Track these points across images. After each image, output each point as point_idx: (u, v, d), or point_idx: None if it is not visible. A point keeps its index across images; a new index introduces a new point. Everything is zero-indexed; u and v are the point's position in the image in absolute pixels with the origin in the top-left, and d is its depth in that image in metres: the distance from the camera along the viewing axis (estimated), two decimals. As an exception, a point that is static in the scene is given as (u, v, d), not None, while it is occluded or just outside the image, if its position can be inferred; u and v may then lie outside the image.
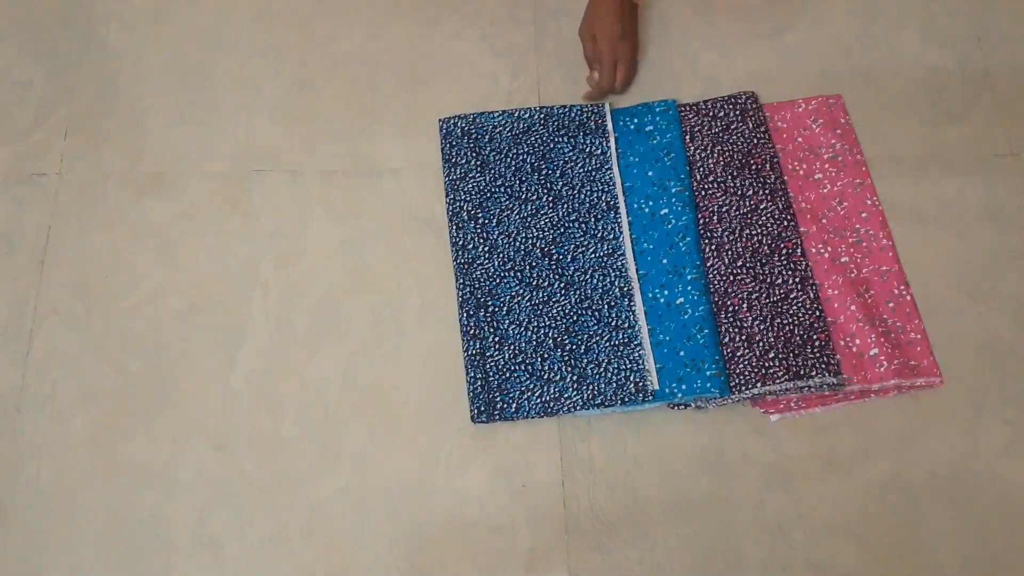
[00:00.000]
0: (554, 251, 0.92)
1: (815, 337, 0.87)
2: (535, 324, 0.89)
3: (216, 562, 0.81)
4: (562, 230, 0.93)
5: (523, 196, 0.95)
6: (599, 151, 0.96)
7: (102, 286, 0.91)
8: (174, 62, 1.03)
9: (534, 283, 0.90)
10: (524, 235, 0.93)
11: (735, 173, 0.95)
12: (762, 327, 0.87)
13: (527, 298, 0.90)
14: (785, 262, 0.90)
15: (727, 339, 0.87)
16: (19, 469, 0.84)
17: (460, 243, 0.93)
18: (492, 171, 0.96)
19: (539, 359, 0.87)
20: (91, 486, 0.83)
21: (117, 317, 0.90)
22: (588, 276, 0.90)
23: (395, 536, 0.82)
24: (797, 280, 0.89)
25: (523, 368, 0.87)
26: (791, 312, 0.88)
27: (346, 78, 1.03)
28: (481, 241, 0.93)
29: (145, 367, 0.88)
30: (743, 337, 0.87)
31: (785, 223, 0.92)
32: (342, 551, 0.81)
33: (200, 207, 0.96)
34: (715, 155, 0.96)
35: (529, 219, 0.93)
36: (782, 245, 0.91)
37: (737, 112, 0.98)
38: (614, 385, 0.85)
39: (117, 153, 0.98)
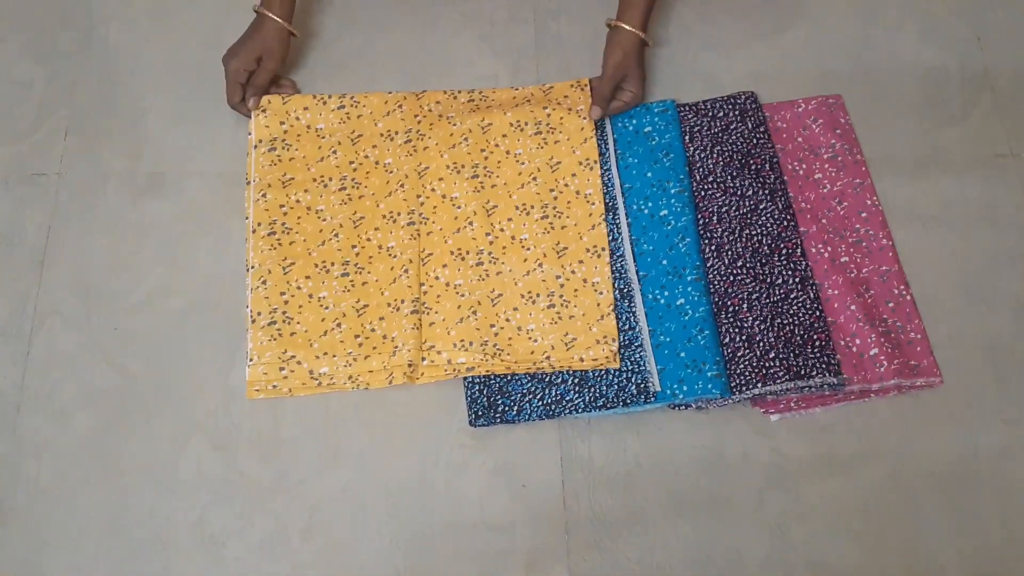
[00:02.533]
0: (554, 251, 0.92)
1: (815, 337, 0.87)
2: (535, 324, 0.89)
3: (216, 562, 0.81)
4: (562, 230, 0.93)
5: (523, 196, 0.95)
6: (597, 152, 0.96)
7: (102, 286, 0.91)
8: (174, 62, 1.03)
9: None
10: (524, 235, 0.93)
11: (735, 173, 0.95)
12: (762, 327, 0.87)
13: (527, 298, 0.90)
14: (785, 262, 0.90)
15: (727, 339, 0.87)
16: (19, 469, 0.84)
17: (460, 243, 0.93)
18: (492, 171, 0.96)
19: (539, 359, 0.87)
20: (91, 486, 0.83)
21: (117, 317, 0.90)
22: (588, 276, 0.90)
23: (395, 536, 0.82)
24: (797, 280, 0.89)
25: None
26: (791, 312, 0.88)
27: (345, 78, 1.03)
28: (481, 241, 0.93)
29: (145, 367, 0.88)
30: (743, 337, 0.87)
31: (785, 223, 0.92)
32: (342, 551, 0.81)
33: (200, 207, 0.96)
34: (714, 155, 0.96)
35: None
36: (782, 245, 0.91)
37: (737, 112, 0.98)
38: (616, 387, 0.85)
39: (117, 153, 0.98)
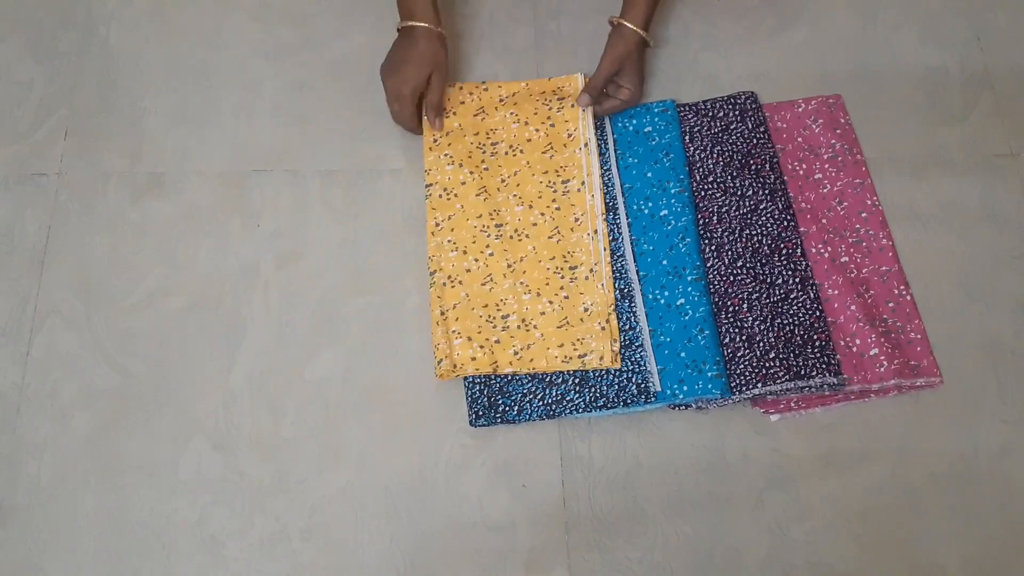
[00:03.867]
0: (554, 251, 0.92)
1: (815, 337, 0.87)
2: (535, 324, 0.89)
3: (216, 562, 0.81)
4: (562, 230, 0.93)
5: (523, 196, 0.95)
6: (598, 151, 0.96)
7: (102, 286, 0.91)
8: (174, 62, 1.03)
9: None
10: (524, 235, 0.93)
11: (735, 173, 0.95)
12: (762, 327, 0.87)
13: (527, 298, 0.90)
14: (785, 262, 0.90)
15: (727, 339, 0.87)
16: (19, 469, 0.84)
17: (460, 243, 0.93)
18: (492, 171, 0.96)
19: (539, 359, 0.87)
20: (91, 486, 0.83)
21: (117, 317, 0.90)
22: (588, 276, 0.90)
23: (395, 536, 0.82)
24: (797, 280, 0.89)
25: (523, 368, 0.87)
26: (791, 312, 0.88)
27: (346, 78, 1.03)
28: (481, 241, 0.93)
29: (145, 367, 0.88)
30: (743, 337, 0.87)
31: (785, 223, 0.92)
32: (342, 551, 0.81)
33: (200, 207, 0.96)
34: (715, 155, 0.96)
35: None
36: (782, 245, 0.91)
37: (737, 112, 0.98)
38: (616, 387, 0.85)
39: (117, 153, 0.98)
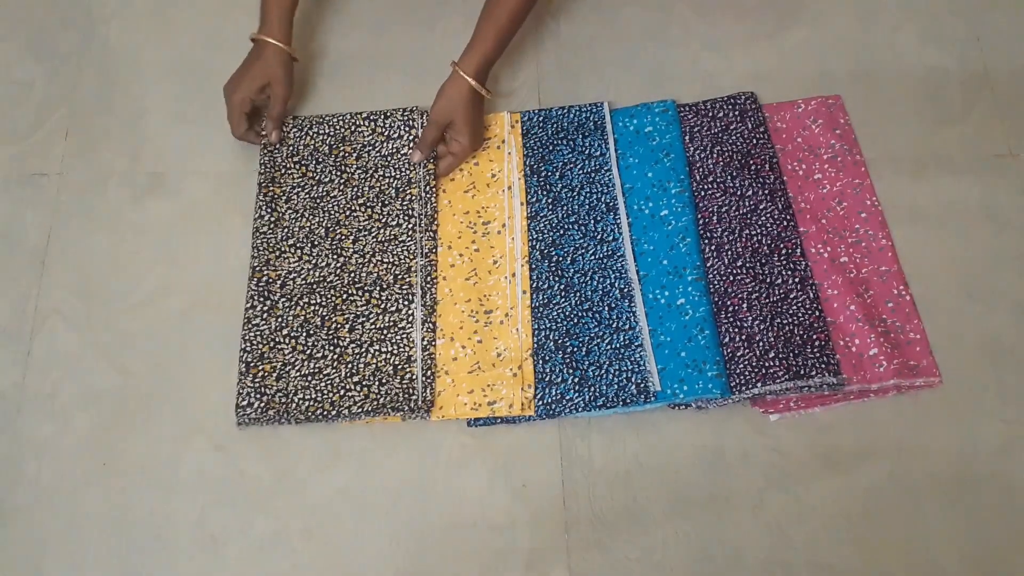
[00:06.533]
0: (553, 253, 0.92)
1: (815, 337, 0.87)
2: (536, 327, 0.89)
3: (216, 562, 0.81)
4: (561, 232, 0.93)
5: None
6: (598, 152, 0.96)
7: (102, 286, 0.91)
8: (174, 62, 1.04)
9: (533, 285, 0.90)
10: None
11: (735, 173, 0.95)
12: (762, 327, 0.87)
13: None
14: (785, 262, 0.90)
15: (727, 339, 0.87)
16: (19, 469, 0.84)
17: (460, 243, 0.93)
18: (492, 171, 0.96)
19: (540, 361, 0.87)
20: (91, 486, 0.83)
21: (117, 317, 0.90)
22: (588, 278, 0.90)
23: (395, 536, 0.82)
24: (797, 280, 0.89)
25: (523, 368, 0.87)
26: (791, 312, 0.88)
27: (346, 78, 1.03)
28: (481, 241, 0.93)
29: (145, 367, 0.88)
30: (743, 337, 0.87)
31: (785, 223, 0.92)
32: (342, 551, 0.81)
33: (200, 207, 0.96)
34: (715, 155, 0.96)
35: (528, 221, 0.93)
36: (782, 245, 0.91)
37: (736, 112, 0.98)
38: (615, 387, 0.85)
39: (117, 153, 0.98)
